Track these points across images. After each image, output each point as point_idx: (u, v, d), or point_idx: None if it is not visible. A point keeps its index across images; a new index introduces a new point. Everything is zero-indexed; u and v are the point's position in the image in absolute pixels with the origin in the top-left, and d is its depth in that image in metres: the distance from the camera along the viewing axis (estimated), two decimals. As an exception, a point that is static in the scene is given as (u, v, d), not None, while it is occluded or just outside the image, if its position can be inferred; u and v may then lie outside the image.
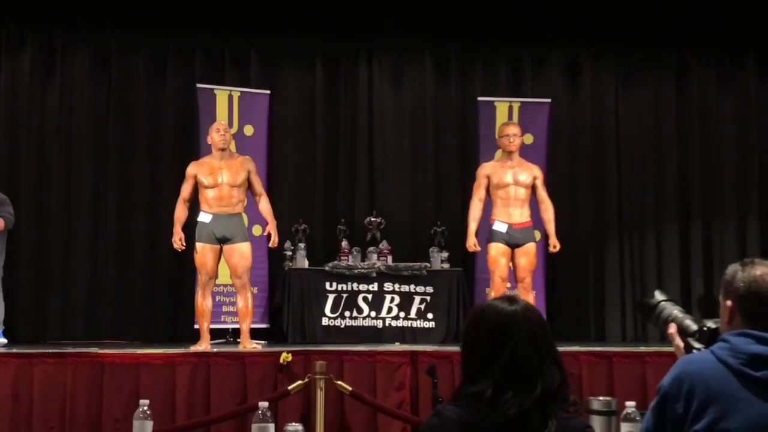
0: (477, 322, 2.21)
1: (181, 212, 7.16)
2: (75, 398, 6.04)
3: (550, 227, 7.50)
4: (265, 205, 7.27)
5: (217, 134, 7.19)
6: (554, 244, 7.46)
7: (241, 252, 7.06)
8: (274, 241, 7.24)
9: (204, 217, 7.07)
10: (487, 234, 7.50)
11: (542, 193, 7.50)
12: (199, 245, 7.05)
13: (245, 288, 7.08)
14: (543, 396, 2.08)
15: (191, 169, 7.21)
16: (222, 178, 7.09)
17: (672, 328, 2.50)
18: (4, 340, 7.09)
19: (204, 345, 6.88)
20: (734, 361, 2.20)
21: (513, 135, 7.44)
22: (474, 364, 2.16)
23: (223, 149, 7.16)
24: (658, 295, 2.62)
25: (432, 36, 9.26)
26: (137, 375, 6.13)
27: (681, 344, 2.46)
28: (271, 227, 7.21)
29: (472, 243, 7.45)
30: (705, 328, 2.43)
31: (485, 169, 7.54)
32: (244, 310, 7.08)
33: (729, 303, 2.31)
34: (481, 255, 7.74)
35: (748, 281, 2.29)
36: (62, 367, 6.09)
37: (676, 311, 2.55)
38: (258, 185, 7.26)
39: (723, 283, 2.36)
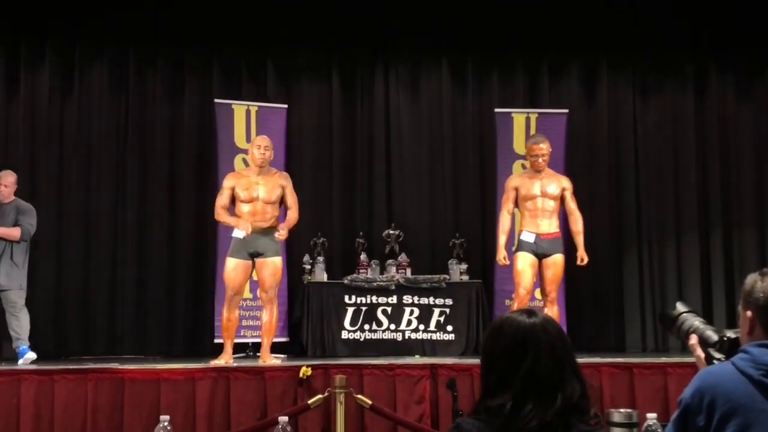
0: (496, 335, 2.20)
1: (224, 216, 7.11)
2: (96, 414, 6.06)
3: (579, 239, 7.36)
4: (291, 215, 7.18)
5: (257, 151, 7.14)
6: (582, 257, 7.32)
7: (273, 267, 7.04)
8: (282, 234, 7.06)
9: (238, 233, 7.05)
10: (514, 245, 7.45)
11: (571, 205, 7.39)
12: (230, 260, 7.05)
13: (271, 303, 7.05)
14: (564, 408, 2.07)
15: (229, 181, 7.19)
16: (258, 194, 7.08)
17: (693, 339, 2.48)
18: (33, 355, 7.05)
19: (225, 359, 6.88)
20: (755, 372, 2.18)
21: (543, 155, 7.29)
22: (493, 377, 2.14)
23: (261, 166, 7.14)
24: (680, 307, 2.60)
25: (449, 47, 9.28)
26: (158, 390, 6.14)
27: (702, 355, 2.45)
28: (284, 227, 7.08)
29: (501, 256, 7.33)
30: (725, 339, 2.41)
31: (513, 181, 7.46)
32: (268, 325, 7.06)
33: (749, 314, 2.28)
34: (503, 266, 7.66)
35: None
36: (83, 383, 6.12)
37: (697, 322, 2.53)
38: (290, 200, 7.17)
39: (742, 293, 2.32)
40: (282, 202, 7.20)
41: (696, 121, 9.32)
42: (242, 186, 7.10)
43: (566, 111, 8.99)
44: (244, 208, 7.08)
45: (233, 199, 7.12)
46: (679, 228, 9.19)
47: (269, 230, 7.07)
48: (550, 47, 9.29)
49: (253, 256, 7.00)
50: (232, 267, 7.01)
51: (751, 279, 2.32)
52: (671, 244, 9.18)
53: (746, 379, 2.18)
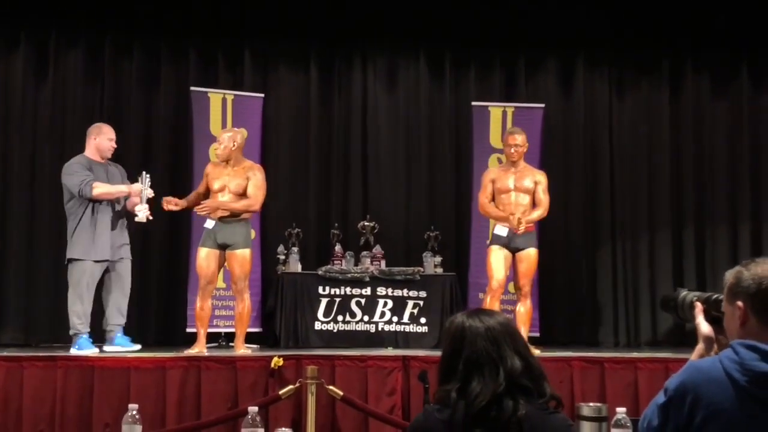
0: (445, 334, 2.49)
1: (193, 196, 7.22)
2: (65, 402, 6.03)
3: (533, 214, 7.31)
4: (245, 201, 7.11)
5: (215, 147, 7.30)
6: (520, 221, 7.12)
7: (241, 258, 7.07)
8: (203, 209, 7.06)
9: (208, 223, 7.13)
10: (487, 239, 7.45)
11: (540, 196, 7.41)
12: (202, 250, 7.09)
13: (241, 293, 7.10)
14: (508, 382, 2.27)
15: (208, 168, 7.33)
16: (228, 186, 7.12)
17: (697, 307, 2.45)
18: (136, 346, 6.92)
19: (199, 348, 6.90)
20: (741, 378, 2.14)
21: (517, 146, 7.35)
22: (443, 368, 2.40)
23: (224, 161, 7.18)
24: (680, 290, 2.68)
25: (426, 40, 9.25)
26: (128, 379, 6.12)
27: (701, 321, 2.40)
28: (211, 202, 7.07)
29: (515, 222, 7.12)
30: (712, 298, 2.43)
31: (491, 174, 7.53)
32: (240, 315, 7.14)
33: (740, 304, 2.23)
34: (477, 260, 7.67)
35: (759, 278, 2.22)
36: (52, 371, 6.09)
37: (698, 293, 2.55)
38: (251, 190, 7.14)
39: (728, 287, 2.28)
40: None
41: (671, 118, 9.36)
42: (215, 175, 7.18)
43: (542, 105, 8.99)
44: (217, 198, 7.16)
45: (208, 192, 7.21)
46: (652, 223, 9.23)
47: (239, 222, 7.10)
48: (527, 42, 9.29)
49: (223, 247, 7.05)
50: (204, 256, 7.08)
51: (734, 272, 2.29)
52: (644, 240, 9.21)
53: (731, 382, 2.15)
